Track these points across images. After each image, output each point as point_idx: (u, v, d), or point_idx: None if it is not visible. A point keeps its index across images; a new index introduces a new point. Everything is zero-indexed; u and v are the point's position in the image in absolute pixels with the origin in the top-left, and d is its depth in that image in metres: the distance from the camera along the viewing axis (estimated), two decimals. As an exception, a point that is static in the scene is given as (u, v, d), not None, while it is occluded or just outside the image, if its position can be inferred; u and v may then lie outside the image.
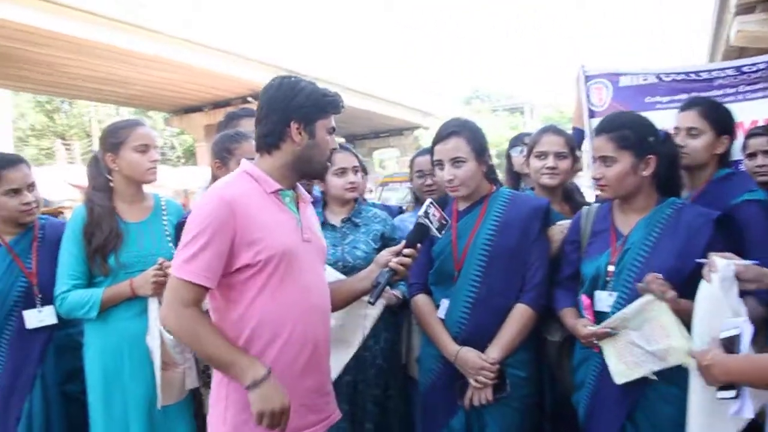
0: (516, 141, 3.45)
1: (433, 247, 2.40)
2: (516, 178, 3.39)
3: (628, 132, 2.09)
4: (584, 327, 2.06)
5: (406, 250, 1.87)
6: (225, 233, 1.66)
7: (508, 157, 3.45)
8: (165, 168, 16.73)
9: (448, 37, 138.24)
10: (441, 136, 2.38)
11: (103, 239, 2.39)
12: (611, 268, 2.09)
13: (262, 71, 20.23)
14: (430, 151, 2.47)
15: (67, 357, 2.57)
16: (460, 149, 2.32)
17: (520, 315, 2.27)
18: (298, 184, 1.90)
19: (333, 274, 2.31)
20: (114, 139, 2.49)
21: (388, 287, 2.02)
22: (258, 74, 19.31)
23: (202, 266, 1.66)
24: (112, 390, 2.39)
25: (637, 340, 1.96)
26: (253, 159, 1.88)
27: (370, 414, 2.62)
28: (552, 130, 2.69)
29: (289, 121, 1.78)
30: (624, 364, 1.99)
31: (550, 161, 2.60)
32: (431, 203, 1.94)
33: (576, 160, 2.70)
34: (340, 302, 1.98)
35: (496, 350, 2.23)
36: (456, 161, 2.32)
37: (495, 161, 2.73)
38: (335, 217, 2.78)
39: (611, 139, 2.09)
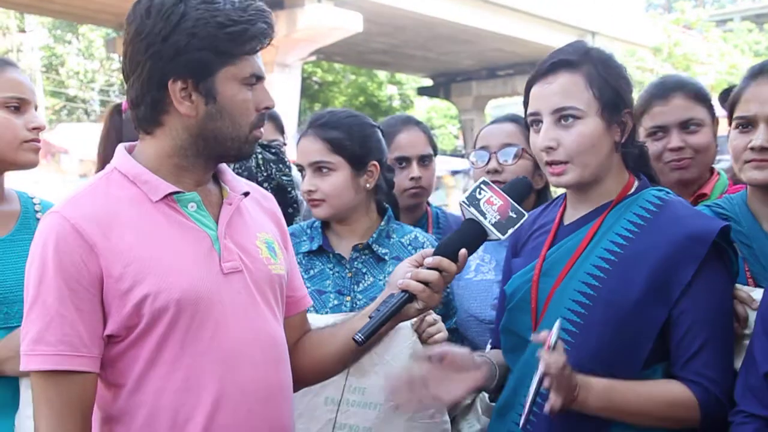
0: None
1: (506, 285, 1.52)
2: None
3: None
4: None
5: (430, 259, 1.24)
6: (81, 278, 1.14)
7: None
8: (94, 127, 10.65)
9: None
10: (541, 71, 1.43)
11: None
12: None
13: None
14: (522, 118, 1.55)
15: None
16: (573, 93, 1.37)
17: (669, 390, 1.31)
18: (225, 168, 1.32)
19: (322, 319, 1.55)
20: None
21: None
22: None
23: (60, 339, 1.12)
24: None
25: None
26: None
27: None
28: None
29: (166, 79, 1.18)
30: None
31: (762, 135, 1.43)
32: (484, 182, 1.32)
33: None
34: (334, 359, 1.37)
35: (598, 389, 1.27)
36: (564, 114, 1.37)
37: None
38: (343, 243, 1.73)
39: None
